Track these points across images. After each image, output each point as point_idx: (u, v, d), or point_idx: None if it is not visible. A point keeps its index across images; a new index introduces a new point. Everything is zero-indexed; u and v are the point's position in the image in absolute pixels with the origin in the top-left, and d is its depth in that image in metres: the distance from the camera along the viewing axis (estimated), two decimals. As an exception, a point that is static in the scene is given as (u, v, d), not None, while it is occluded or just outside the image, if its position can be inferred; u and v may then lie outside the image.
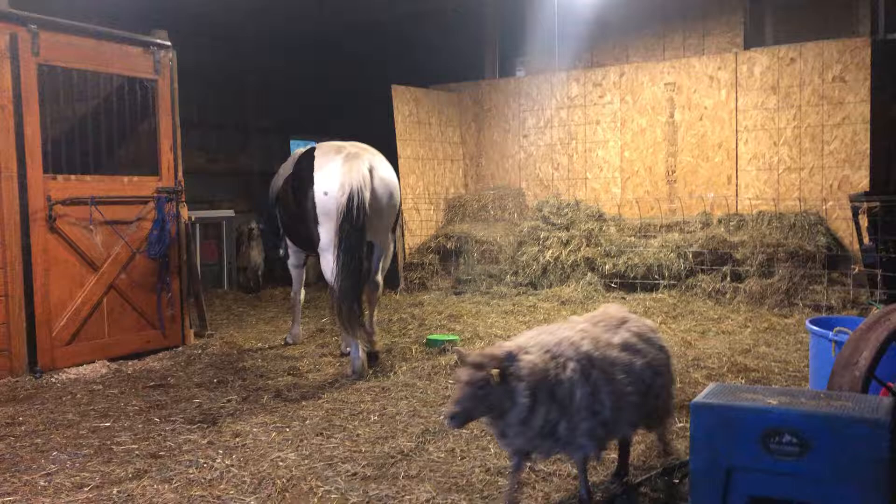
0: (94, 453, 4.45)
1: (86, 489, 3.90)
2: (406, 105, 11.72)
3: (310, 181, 6.24)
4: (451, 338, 7.34)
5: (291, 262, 7.46)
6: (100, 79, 7.10)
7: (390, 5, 12.59)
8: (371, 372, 6.26)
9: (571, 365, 3.25)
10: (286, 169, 6.97)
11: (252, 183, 13.54)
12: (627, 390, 3.37)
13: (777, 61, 10.25)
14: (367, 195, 6.01)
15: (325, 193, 6.10)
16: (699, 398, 2.81)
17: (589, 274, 9.98)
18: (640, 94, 11.28)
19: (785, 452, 2.56)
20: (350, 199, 5.89)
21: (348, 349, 6.52)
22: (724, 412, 2.68)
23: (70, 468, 4.20)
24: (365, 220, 5.96)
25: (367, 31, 13.56)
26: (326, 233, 6.13)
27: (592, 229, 10.45)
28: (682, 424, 4.67)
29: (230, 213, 12.13)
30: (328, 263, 6.14)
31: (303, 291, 7.68)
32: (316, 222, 6.21)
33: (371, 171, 6.19)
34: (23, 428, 4.94)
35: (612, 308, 3.86)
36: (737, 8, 11.75)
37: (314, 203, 6.17)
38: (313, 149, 6.64)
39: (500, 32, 13.17)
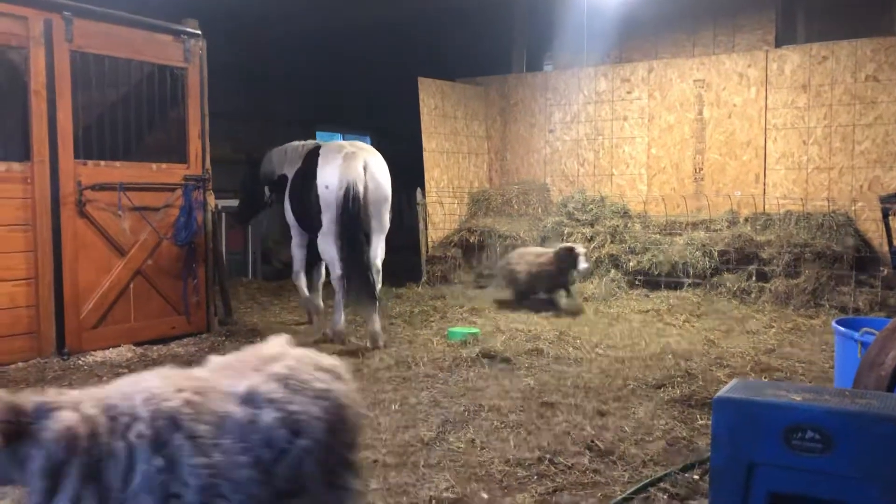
0: (119, 434, 4.51)
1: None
2: (432, 98, 11.72)
3: (313, 176, 7.13)
4: (473, 331, 7.35)
5: (295, 241, 7.94)
6: (131, 66, 7.18)
7: (419, -1, 12.60)
8: (382, 348, 6.83)
9: (138, 428, 2.22)
10: (287, 160, 7.77)
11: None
12: (236, 461, 2.29)
13: (809, 59, 10.12)
14: (361, 189, 6.93)
15: (326, 187, 7.00)
16: (722, 393, 2.80)
17: (613, 271, 9.94)
18: (669, 90, 11.20)
19: (808, 449, 2.54)
20: (346, 192, 6.86)
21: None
22: (747, 407, 2.67)
23: (96, 448, 4.26)
24: (360, 209, 6.92)
25: (395, 24, 13.57)
26: (326, 221, 7.04)
27: (617, 226, 10.40)
28: (703, 421, 4.65)
29: (256, 202, 12.20)
30: (327, 245, 7.09)
31: (302, 275, 8.01)
32: (319, 211, 7.07)
33: (365, 168, 7.04)
34: (50, 408, 5.01)
35: (271, 344, 2.84)
36: (769, 5, 11.62)
37: (317, 195, 7.06)
38: (318, 147, 7.46)
39: (529, 27, 13.12)
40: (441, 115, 11.84)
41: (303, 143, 7.87)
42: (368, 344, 6.96)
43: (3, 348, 6.16)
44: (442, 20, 13.46)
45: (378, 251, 7.31)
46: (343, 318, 7.26)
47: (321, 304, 8.12)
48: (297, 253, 7.96)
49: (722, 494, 2.73)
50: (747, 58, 10.64)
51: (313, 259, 7.89)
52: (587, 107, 11.95)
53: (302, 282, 7.97)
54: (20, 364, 6.17)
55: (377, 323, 7.00)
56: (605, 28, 12.27)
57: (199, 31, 7.55)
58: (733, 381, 3.01)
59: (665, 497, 3.59)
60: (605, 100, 11.79)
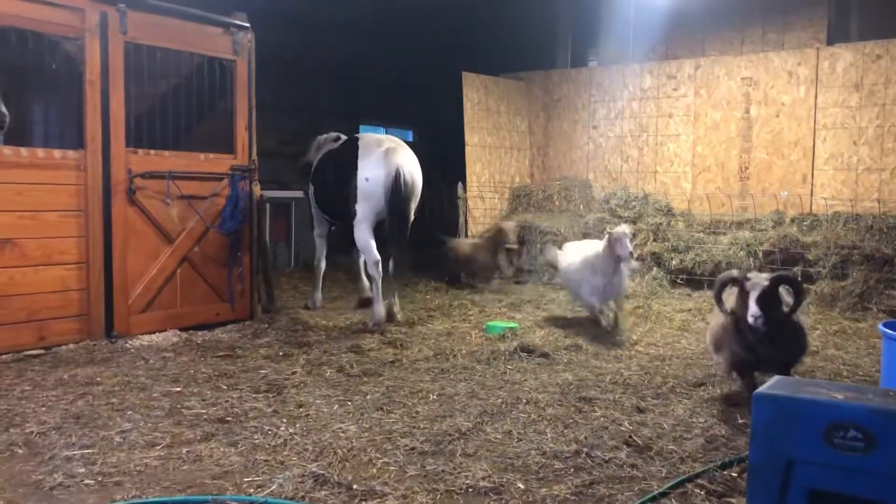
0: (164, 415, 4.64)
1: (157, 447, 4.08)
2: (475, 93, 11.74)
3: (353, 168, 7.49)
4: (511, 325, 7.36)
5: (316, 232, 8.72)
6: (181, 57, 7.32)
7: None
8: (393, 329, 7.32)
9: None
10: (319, 149, 8.45)
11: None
12: None
13: (862, 58, 9.91)
14: (408, 180, 7.43)
15: (367, 179, 7.43)
16: (762, 389, 2.78)
17: (655, 269, 9.86)
18: (716, 87, 11.05)
19: (849, 447, 2.51)
20: (395, 182, 7.35)
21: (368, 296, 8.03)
22: (788, 404, 2.65)
23: (143, 427, 4.39)
24: (406, 198, 7.44)
25: (440, 19, 13.60)
26: (362, 210, 7.45)
27: (660, 224, 10.31)
28: (743, 420, 4.61)
29: (300, 194, 12.36)
30: (361, 233, 7.52)
31: (323, 261, 8.76)
32: (355, 200, 7.45)
33: (401, 164, 7.43)
34: (100, 388, 5.18)
35: None
36: (821, 2, 11.40)
37: (356, 186, 7.43)
38: (357, 139, 7.87)
39: (573, 22, 13.05)
40: (484, 109, 11.86)
41: (335, 134, 8.61)
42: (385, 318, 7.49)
43: (54, 330, 6.36)
44: (486, 14, 13.46)
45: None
46: (382, 307, 7.52)
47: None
48: (319, 243, 8.77)
49: (760, 490, 2.72)
50: (797, 56, 10.45)
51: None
52: (632, 103, 11.85)
53: (320, 273, 8.69)
54: (70, 345, 6.36)
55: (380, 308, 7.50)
56: (651, 24, 12.17)
57: (247, 24, 7.68)
58: (774, 378, 2.99)
59: (703, 493, 3.58)
60: (650, 96, 11.69)
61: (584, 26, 13.16)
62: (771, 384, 2.89)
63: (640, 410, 4.84)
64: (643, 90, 11.74)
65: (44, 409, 4.71)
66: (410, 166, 7.57)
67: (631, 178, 11.80)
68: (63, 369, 5.66)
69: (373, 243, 7.51)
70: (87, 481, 3.62)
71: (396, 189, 7.36)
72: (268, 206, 10.59)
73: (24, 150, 6.25)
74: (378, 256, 7.51)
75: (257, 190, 7.86)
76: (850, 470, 2.53)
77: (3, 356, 5.93)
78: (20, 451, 3.99)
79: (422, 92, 14.79)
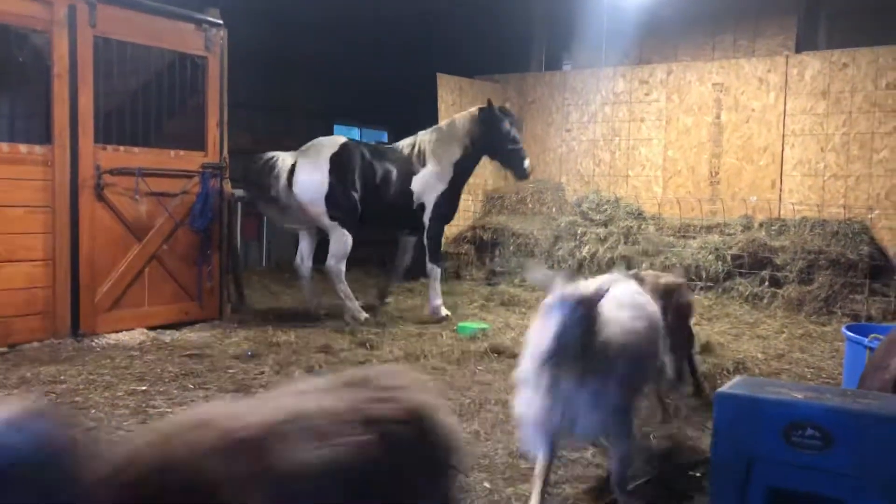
0: (129, 413, 4.59)
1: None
2: (450, 94, 11.76)
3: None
4: (483, 326, 7.38)
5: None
6: (152, 53, 7.26)
7: (440, -6, 12.63)
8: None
9: None
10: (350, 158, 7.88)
11: (295, 165, 13.69)
12: None
13: (829, 66, 10.07)
14: None
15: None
16: (724, 388, 2.81)
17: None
18: (687, 93, 11.17)
19: (807, 446, 2.56)
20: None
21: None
22: (749, 403, 2.68)
23: (107, 426, 4.34)
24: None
25: (415, 20, 13.60)
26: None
27: (631, 227, 10.39)
28: (709, 423, 4.66)
29: (271, 193, 12.29)
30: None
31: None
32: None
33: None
34: (64, 386, 5.11)
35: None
36: (790, 11, 11.57)
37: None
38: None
39: (548, 25, 13.12)
40: (458, 111, 11.84)
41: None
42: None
43: (19, 327, 6.26)
44: (462, 16, 13.48)
45: None
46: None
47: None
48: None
49: (722, 488, 2.75)
50: (767, 62, 10.60)
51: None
52: (604, 107, 11.94)
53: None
54: (35, 343, 6.26)
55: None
56: (625, 29, 12.27)
57: (220, 21, 7.63)
58: (736, 378, 3.03)
59: (667, 495, 3.61)
60: (622, 101, 11.78)
61: (558, 29, 13.23)
62: (734, 383, 2.93)
63: (608, 411, 4.86)
64: (616, 94, 11.83)
65: (5, 407, 4.62)
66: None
67: (603, 182, 11.89)
68: (26, 367, 5.58)
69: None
70: (47, 480, 3.56)
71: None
72: (239, 204, 10.51)
73: (-12, 145, 6.15)
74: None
75: (228, 188, 7.80)
76: (808, 468, 2.57)
77: (-35, 354, 5.82)
78: (-21, 450, 3.91)
79: (397, 93, 14.76)
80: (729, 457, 2.71)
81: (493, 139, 8.06)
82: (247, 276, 9.70)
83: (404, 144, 8.29)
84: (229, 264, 8.00)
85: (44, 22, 6.33)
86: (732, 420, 2.71)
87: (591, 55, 12.73)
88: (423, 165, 8.07)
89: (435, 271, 8.08)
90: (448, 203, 8.28)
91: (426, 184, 8.08)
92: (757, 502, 2.66)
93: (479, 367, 5.99)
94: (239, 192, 8.27)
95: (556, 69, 13.20)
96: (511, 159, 8.17)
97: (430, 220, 8.19)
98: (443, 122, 8.71)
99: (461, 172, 8.26)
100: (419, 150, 8.16)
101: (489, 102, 8.18)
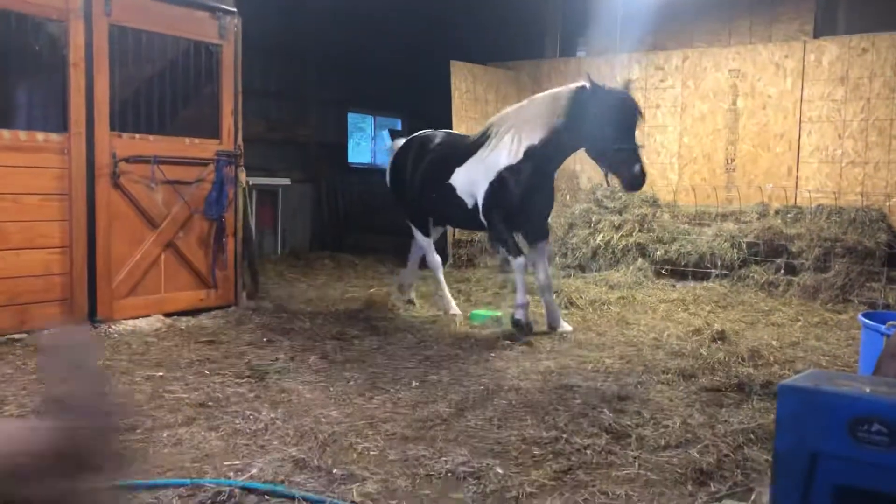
0: (146, 399, 4.64)
1: (138, 431, 4.08)
2: (464, 81, 11.72)
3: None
4: (496, 314, 7.38)
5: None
6: (167, 41, 7.27)
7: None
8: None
9: None
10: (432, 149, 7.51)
11: (309, 153, 13.73)
12: None
13: (848, 51, 9.94)
14: None
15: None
16: (789, 381, 2.77)
17: (640, 259, 9.89)
18: (703, 79, 11.08)
19: (873, 442, 2.48)
20: None
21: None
22: (811, 396, 2.60)
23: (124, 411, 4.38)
24: None
25: (430, 7, 13.55)
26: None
27: (646, 214, 10.34)
28: (723, 409, 4.66)
29: (286, 181, 12.34)
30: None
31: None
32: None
33: None
34: (81, 372, 5.15)
35: None
36: (809, -5, 11.43)
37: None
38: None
39: (562, 12, 13.03)
40: (472, 98, 11.83)
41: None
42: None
43: (37, 313, 6.32)
44: (476, 3, 13.42)
45: None
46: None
47: None
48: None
49: (785, 482, 2.67)
50: (784, 48, 10.48)
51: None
52: (619, 94, 11.84)
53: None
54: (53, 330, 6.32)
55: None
56: (640, 15, 12.16)
57: (234, 9, 7.63)
58: (808, 371, 2.98)
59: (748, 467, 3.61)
60: (637, 87, 11.65)
61: (572, 16, 13.14)
62: (802, 375, 2.86)
63: (621, 398, 4.87)
64: (631, 81, 11.72)
65: (24, 392, 4.69)
66: None
67: (618, 169, 11.81)
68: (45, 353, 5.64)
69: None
70: (66, 464, 3.61)
71: None
72: (254, 192, 10.56)
73: (6, 133, 6.20)
74: None
75: (243, 176, 7.83)
76: (875, 465, 2.48)
77: (-15, 340, 5.90)
78: (-1, 434, 3.97)
79: (411, 80, 14.74)
80: (792, 451, 2.64)
81: (593, 131, 6.29)
82: (262, 264, 9.75)
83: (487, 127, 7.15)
84: (244, 252, 8.04)
85: (60, 11, 6.36)
86: (795, 413, 2.64)
87: (606, 41, 12.64)
88: (491, 151, 6.81)
89: (514, 263, 6.82)
90: (503, 194, 6.72)
91: (470, 176, 6.97)
92: (822, 499, 2.59)
93: (492, 355, 6.00)
94: (253, 180, 8.32)
95: (571, 56, 13.11)
96: (618, 163, 6.30)
97: (484, 216, 6.91)
98: (536, 96, 7.05)
99: (538, 163, 6.62)
100: (486, 133, 6.97)
101: (589, 78, 6.41)
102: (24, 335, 6.13)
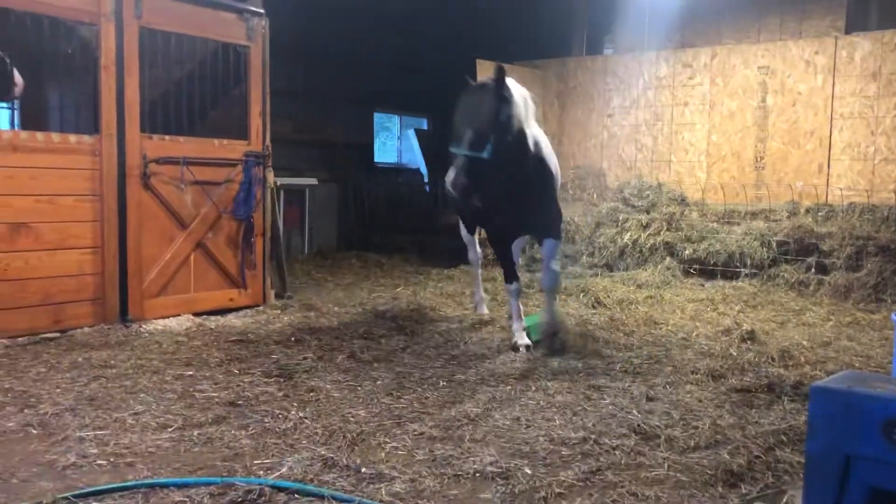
0: (177, 398, 4.69)
1: (169, 429, 4.13)
2: (490, 81, 11.67)
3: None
4: (530, 319, 6.86)
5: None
6: (195, 43, 7.35)
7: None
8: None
9: None
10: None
11: (335, 154, 13.80)
12: None
13: (881, 47, 9.79)
14: None
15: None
16: (821, 382, 2.74)
17: (668, 258, 9.82)
18: (732, 76, 10.96)
19: None
20: None
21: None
22: (844, 398, 2.57)
23: (155, 410, 4.44)
24: None
25: (456, 6, 13.55)
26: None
27: (674, 213, 10.26)
28: (753, 410, 4.62)
29: (313, 181, 12.42)
30: None
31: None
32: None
33: None
34: (114, 371, 5.24)
35: None
36: (840, -10, 11.26)
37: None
38: None
39: (589, 9, 12.97)
40: (498, 97, 11.79)
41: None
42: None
43: (70, 313, 6.42)
44: (502, 1, 13.39)
45: None
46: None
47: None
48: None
49: (818, 484, 2.64)
50: (815, 44, 10.34)
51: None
52: (647, 92, 11.78)
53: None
54: (85, 329, 6.42)
55: None
56: (668, 12, 12.07)
57: (261, 11, 7.69)
58: (843, 372, 2.93)
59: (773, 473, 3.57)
60: (665, 85, 11.61)
61: (599, 13, 13.08)
62: (836, 377, 2.83)
63: (650, 399, 4.84)
64: (659, 78, 11.66)
65: (58, 390, 4.77)
66: None
67: (645, 167, 11.75)
68: (78, 352, 5.73)
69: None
70: (99, 461, 3.67)
71: None
72: (282, 192, 10.63)
73: (39, 135, 6.31)
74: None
75: (271, 176, 7.89)
76: None
77: (20, 339, 6.00)
78: (35, 432, 4.05)
79: (437, 79, 14.73)
80: (825, 453, 2.61)
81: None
82: (289, 264, 9.82)
83: None
84: (273, 251, 8.10)
85: (92, 14, 6.45)
86: (828, 415, 2.61)
87: (633, 39, 12.56)
88: None
89: (506, 288, 6.68)
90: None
91: None
92: (856, 502, 2.56)
93: (519, 354, 5.98)
94: (280, 180, 8.38)
95: (598, 54, 13.04)
96: None
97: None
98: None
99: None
100: None
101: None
102: (57, 334, 6.23)
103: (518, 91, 5.93)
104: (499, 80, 5.63)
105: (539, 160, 6.09)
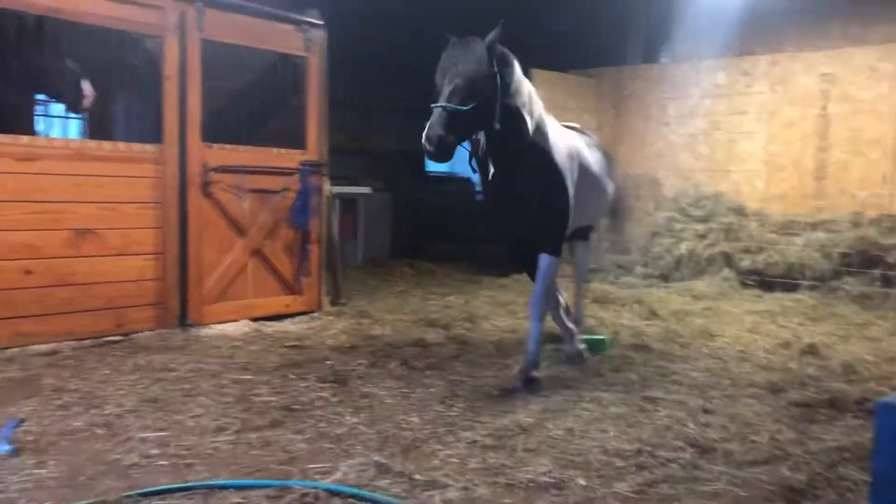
0: (234, 401, 4.78)
1: (227, 432, 4.21)
2: (542, 89, 11.55)
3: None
4: (598, 337, 6.60)
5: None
6: (255, 54, 7.50)
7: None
8: None
9: None
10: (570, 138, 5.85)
11: (388, 162, 13.91)
12: None
13: (950, 52, 9.47)
14: None
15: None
16: (888, 398, 2.66)
17: (725, 269, 9.65)
18: (792, 84, 10.73)
19: None
20: None
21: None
22: None
23: (214, 412, 4.54)
24: None
25: (508, 13, 13.52)
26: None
27: (732, 223, 10.09)
28: (814, 426, 4.50)
29: (367, 189, 12.55)
30: None
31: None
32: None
33: None
34: (174, 374, 5.37)
35: None
36: (907, -5, 10.95)
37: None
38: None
39: (646, 17, 12.85)
40: (553, 106, 11.65)
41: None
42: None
43: (132, 317, 6.60)
44: (557, 10, 13.34)
45: None
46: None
47: None
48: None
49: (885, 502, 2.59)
50: (880, 51, 10.06)
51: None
52: (704, 100, 11.61)
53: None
54: (147, 332, 6.60)
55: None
56: (726, 19, 11.89)
57: (320, 22, 7.82)
58: None
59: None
60: (723, 93, 11.42)
61: (655, 22, 12.94)
62: None
63: (707, 412, 4.76)
64: (717, 87, 11.48)
65: (121, 392, 4.91)
66: None
67: (702, 177, 11.56)
68: (140, 355, 5.89)
69: None
70: (160, 462, 3.77)
71: None
72: (337, 200, 10.76)
73: (106, 144, 6.52)
74: None
75: (327, 185, 8.00)
76: None
77: (85, 341, 6.19)
78: (100, 432, 4.17)
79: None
80: (892, 471, 2.55)
81: None
82: (343, 271, 9.93)
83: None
84: (327, 259, 8.21)
85: (157, 27, 6.66)
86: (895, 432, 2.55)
87: (691, 47, 12.40)
88: None
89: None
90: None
91: None
92: None
93: (571, 365, 5.94)
94: (334, 189, 8.48)
95: (654, 62, 12.90)
96: None
97: None
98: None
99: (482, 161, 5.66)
100: None
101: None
102: (120, 337, 6.41)
103: (518, 69, 5.42)
104: (494, 38, 5.07)
105: (541, 151, 5.25)
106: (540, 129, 5.33)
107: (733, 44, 12.28)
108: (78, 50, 6.61)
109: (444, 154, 4.68)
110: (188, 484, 3.47)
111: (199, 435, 4.15)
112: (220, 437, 4.13)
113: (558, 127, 5.73)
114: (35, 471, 3.60)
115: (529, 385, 5.21)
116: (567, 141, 5.64)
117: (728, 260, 9.72)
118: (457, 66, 4.92)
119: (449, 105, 4.72)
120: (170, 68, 6.73)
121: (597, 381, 5.45)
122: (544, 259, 5.38)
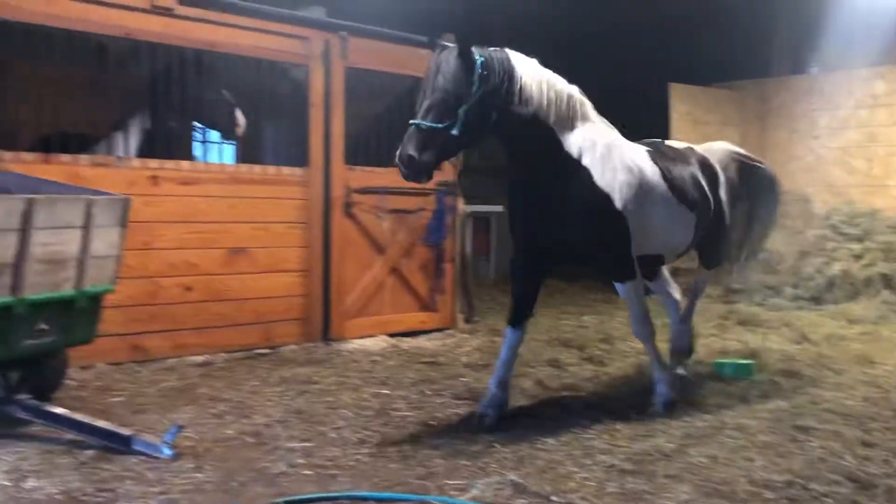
0: (374, 415, 4.92)
1: (367, 445, 4.33)
2: (683, 104, 11.37)
3: None
4: (745, 362, 6.31)
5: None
6: (394, 79, 7.74)
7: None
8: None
9: None
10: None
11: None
12: None
13: None
14: None
15: None
16: None
17: (884, 292, 9.00)
18: (960, 91, 9.91)
19: None
20: None
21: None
22: None
23: (355, 425, 4.69)
24: None
25: (648, 30, 13.29)
26: None
27: (892, 242, 9.39)
28: None
29: (499, 208, 12.59)
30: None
31: None
32: None
33: None
34: (317, 386, 5.59)
35: None
36: None
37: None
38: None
39: (792, 26, 12.26)
40: (692, 120, 11.43)
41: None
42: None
43: (278, 332, 6.95)
44: (697, 22, 12.96)
45: None
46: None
47: None
48: None
49: None
50: None
51: None
52: (859, 111, 10.92)
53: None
54: (292, 346, 6.92)
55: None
56: (884, 24, 11.13)
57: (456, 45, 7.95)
58: None
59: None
60: (881, 103, 10.70)
61: (800, 31, 12.31)
62: None
63: (866, 444, 4.43)
64: (874, 97, 10.77)
65: (269, 403, 5.16)
66: None
67: (857, 193, 10.84)
68: (286, 368, 6.18)
69: None
70: (305, 471, 3.93)
71: None
72: (470, 219, 10.88)
73: (257, 168, 6.96)
74: None
75: (461, 204, 8.13)
76: None
77: (237, 353, 6.57)
78: (250, 441, 4.41)
79: (626, 101, 14.49)
80: None
81: None
82: (476, 289, 10.01)
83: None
84: (461, 277, 8.32)
85: (302, 57, 7.02)
86: None
87: (841, 56, 11.70)
88: None
89: None
90: None
91: None
92: None
93: (715, 389, 5.70)
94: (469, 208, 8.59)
95: (800, 73, 12.27)
96: None
97: None
98: None
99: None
100: None
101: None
102: (267, 350, 6.76)
103: (532, 71, 5.04)
104: (465, 47, 4.63)
105: (567, 159, 4.93)
106: (568, 136, 5.01)
107: (891, 51, 11.49)
108: (230, 80, 7.07)
109: (418, 174, 4.35)
110: (332, 493, 3.60)
111: (341, 447, 4.30)
112: (361, 450, 4.25)
113: (615, 140, 5.41)
114: (194, 475, 3.84)
115: (669, 408, 5.04)
116: (629, 157, 5.30)
117: (888, 282, 9.05)
118: (436, 78, 4.50)
119: (423, 122, 4.35)
120: (315, 95, 7.07)
121: (742, 408, 5.20)
122: (619, 288, 5.04)
